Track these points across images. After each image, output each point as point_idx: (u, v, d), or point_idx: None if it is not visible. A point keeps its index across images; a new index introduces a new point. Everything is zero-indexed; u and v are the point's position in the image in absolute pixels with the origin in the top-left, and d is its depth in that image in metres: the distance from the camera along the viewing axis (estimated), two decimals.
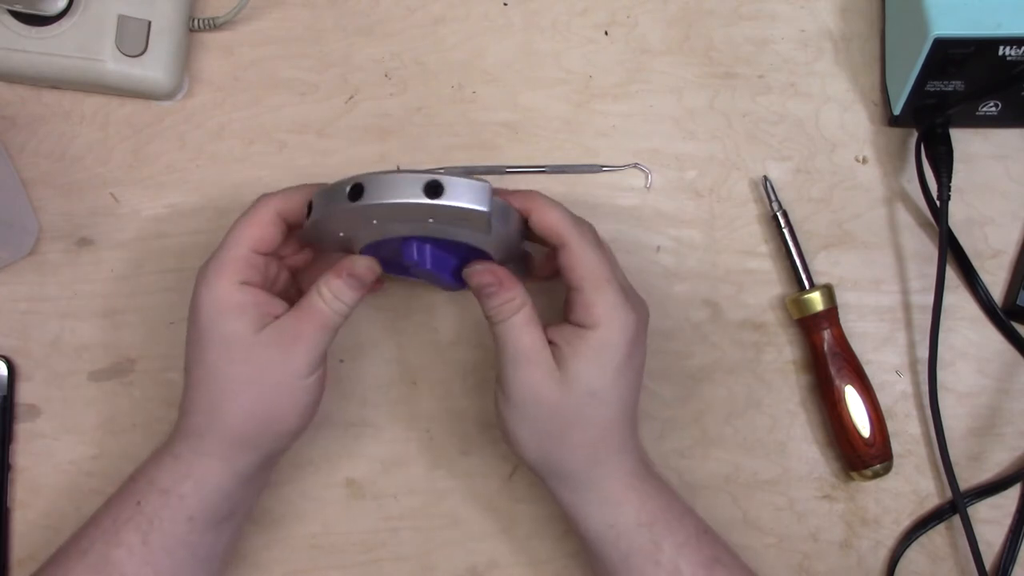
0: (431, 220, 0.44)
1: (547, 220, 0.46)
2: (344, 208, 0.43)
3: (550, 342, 0.47)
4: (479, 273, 0.47)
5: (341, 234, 0.46)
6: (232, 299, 0.45)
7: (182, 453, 0.47)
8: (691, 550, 0.47)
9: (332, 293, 0.46)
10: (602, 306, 0.46)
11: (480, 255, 0.48)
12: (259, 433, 0.47)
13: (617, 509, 0.47)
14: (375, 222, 0.45)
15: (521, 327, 0.46)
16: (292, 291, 0.51)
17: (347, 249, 0.48)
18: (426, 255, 0.47)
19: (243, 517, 0.50)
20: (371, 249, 0.47)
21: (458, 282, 0.49)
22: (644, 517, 0.47)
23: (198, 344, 0.46)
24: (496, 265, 0.47)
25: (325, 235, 0.47)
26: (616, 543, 0.47)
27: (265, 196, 0.48)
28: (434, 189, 0.43)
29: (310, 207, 0.46)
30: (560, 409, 0.46)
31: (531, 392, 0.46)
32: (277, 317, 0.46)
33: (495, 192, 0.44)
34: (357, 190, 0.43)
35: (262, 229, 0.47)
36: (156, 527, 0.45)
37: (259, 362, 0.45)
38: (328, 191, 0.44)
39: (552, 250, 0.48)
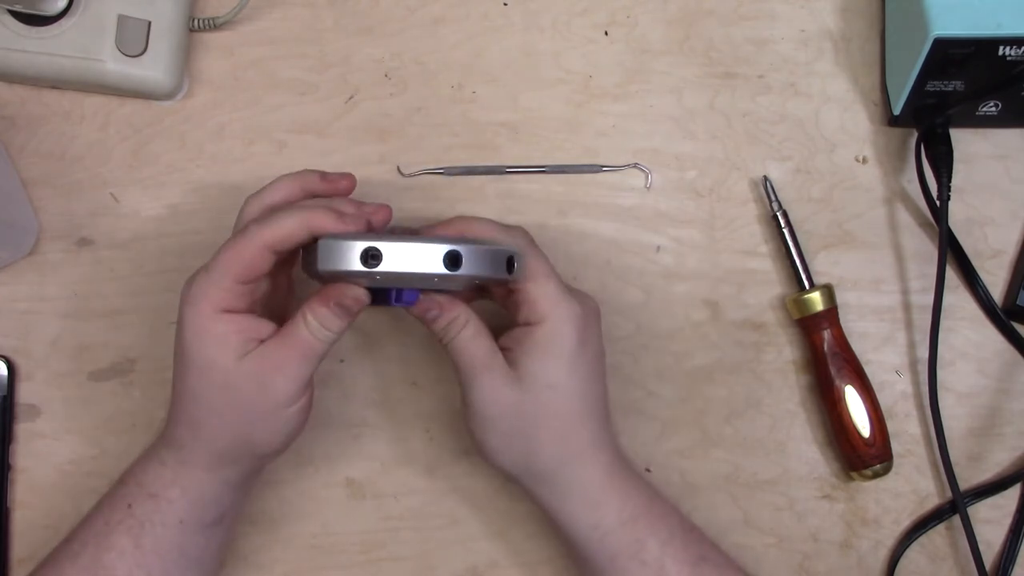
0: (436, 280, 0.44)
1: (480, 235, 0.48)
2: (357, 272, 0.43)
3: (502, 348, 0.48)
4: (421, 304, 0.47)
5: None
6: (212, 328, 0.44)
7: (167, 461, 0.47)
8: (676, 548, 0.47)
9: (318, 321, 0.45)
10: (545, 300, 0.47)
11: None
12: (241, 452, 0.47)
13: (599, 510, 0.48)
14: (378, 277, 0.44)
15: (469, 339, 0.47)
16: (282, 295, 0.50)
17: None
18: (415, 297, 0.47)
19: (234, 519, 0.50)
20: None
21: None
22: (626, 515, 0.47)
23: (181, 362, 0.45)
24: (433, 294, 0.47)
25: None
26: (601, 544, 0.47)
27: (254, 226, 0.45)
28: (454, 260, 0.43)
29: (313, 247, 0.44)
30: (522, 409, 0.47)
31: (491, 398, 0.47)
32: (262, 340, 0.45)
33: (457, 240, 0.44)
34: (374, 257, 0.43)
35: (249, 261, 0.44)
36: (148, 531, 0.46)
37: (239, 390, 0.45)
38: (339, 248, 0.43)
39: None
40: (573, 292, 0.49)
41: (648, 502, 0.49)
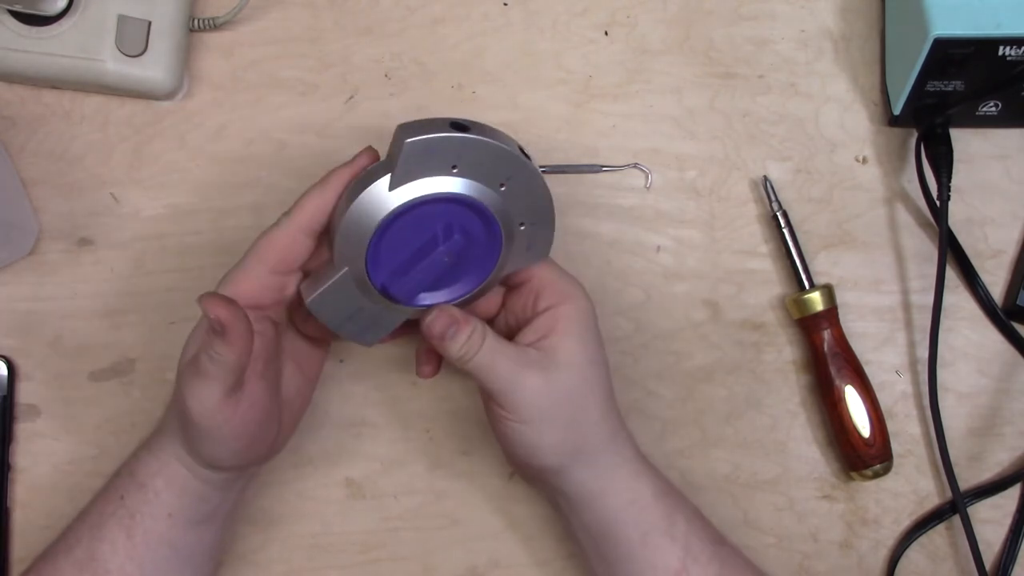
0: (454, 169, 0.44)
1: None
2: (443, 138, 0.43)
3: (528, 344, 0.47)
4: (436, 320, 0.46)
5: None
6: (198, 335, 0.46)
7: (154, 448, 0.47)
8: (699, 526, 0.48)
9: (209, 354, 0.42)
10: (561, 278, 0.48)
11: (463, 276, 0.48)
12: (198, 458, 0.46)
13: (639, 481, 0.48)
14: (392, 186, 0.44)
15: (492, 351, 0.46)
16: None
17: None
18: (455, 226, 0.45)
19: (225, 520, 0.50)
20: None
21: (427, 297, 0.48)
22: (661, 487, 0.48)
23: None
24: (446, 306, 0.47)
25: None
26: (637, 520, 0.47)
27: (284, 216, 0.46)
28: (461, 127, 0.44)
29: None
30: (571, 392, 0.46)
31: (541, 392, 0.46)
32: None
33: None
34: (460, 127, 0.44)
35: (286, 246, 0.46)
36: (138, 522, 0.46)
37: (176, 395, 0.45)
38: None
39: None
40: None
41: (668, 481, 0.49)
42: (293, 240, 0.46)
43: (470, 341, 0.46)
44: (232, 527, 0.52)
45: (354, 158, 0.47)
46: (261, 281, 0.46)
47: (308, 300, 0.46)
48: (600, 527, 0.48)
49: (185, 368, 0.44)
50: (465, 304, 0.48)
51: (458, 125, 0.43)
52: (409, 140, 0.42)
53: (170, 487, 0.46)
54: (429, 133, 0.43)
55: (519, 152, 0.45)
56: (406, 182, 0.44)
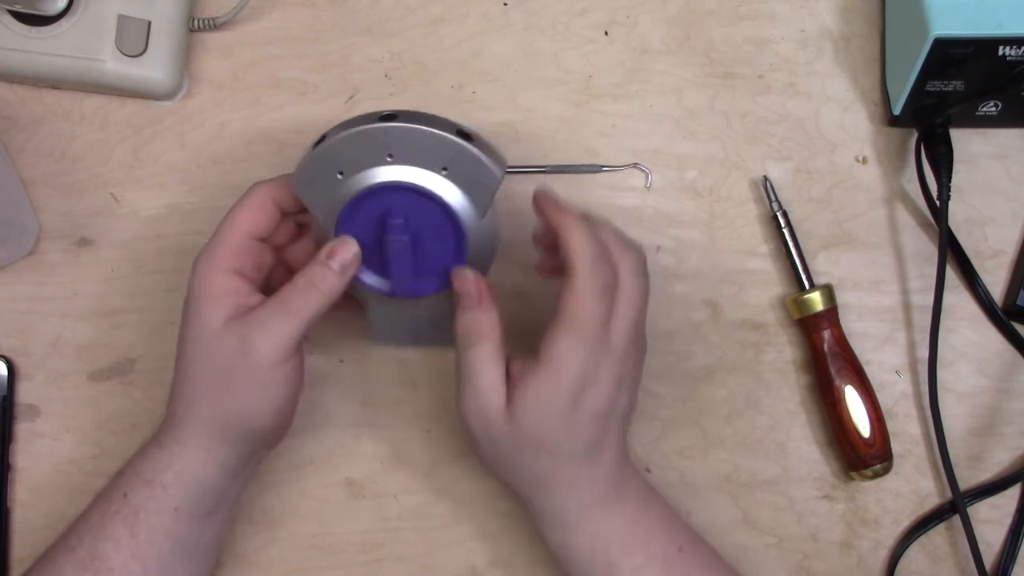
0: (389, 158, 0.45)
1: (567, 249, 0.44)
2: (308, 157, 0.45)
3: (509, 374, 0.46)
4: (464, 279, 0.46)
5: (323, 201, 0.46)
6: (213, 287, 0.46)
7: (165, 442, 0.47)
8: (652, 572, 0.46)
9: (308, 279, 0.45)
10: (557, 346, 0.44)
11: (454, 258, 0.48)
12: (232, 426, 0.46)
13: (569, 534, 0.47)
14: (340, 175, 0.45)
15: (483, 361, 0.45)
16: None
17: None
18: (406, 209, 0.46)
19: (230, 513, 0.50)
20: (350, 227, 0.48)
21: (422, 285, 0.49)
22: (600, 543, 0.46)
23: (182, 332, 0.47)
24: (484, 281, 0.47)
25: (313, 193, 0.47)
26: (571, 562, 0.47)
27: (258, 183, 0.48)
28: (389, 118, 0.44)
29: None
30: (505, 443, 0.46)
31: (480, 424, 0.46)
32: (252, 309, 0.46)
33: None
34: (320, 140, 0.45)
35: (254, 213, 0.47)
36: (143, 520, 0.46)
37: (224, 352, 0.45)
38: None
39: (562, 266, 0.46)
40: (611, 344, 0.45)
41: (633, 523, 0.47)
42: (265, 205, 0.48)
43: (473, 328, 0.46)
44: (231, 527, 0.52)
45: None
46: (242, 248, 0.47)
47: (372, 336, 0.52)
48: (559, 552, 0.48)
49: (257, 305, 0.45)
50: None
51: (385, 116, 0.45)
52: (334, 137, 0.45)
53: (180, 480, 0.46)
54: (353, 128, 0.45)
55: (455, 134, 0.45)
56: (349, 177, 0.46)
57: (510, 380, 0.45)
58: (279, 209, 0.48)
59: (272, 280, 0.49)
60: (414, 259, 0.48)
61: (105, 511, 0.46)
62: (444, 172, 0.45)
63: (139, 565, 0.46)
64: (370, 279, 0.49)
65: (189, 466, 0.46)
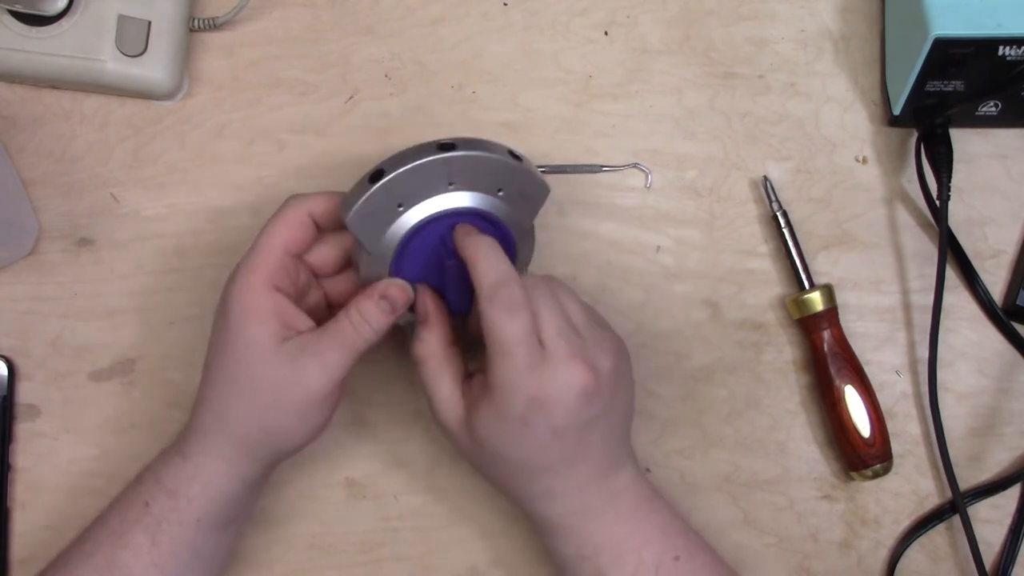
0: (451, 185, 0.46)
1: (472, 276, 0.44)
2: (366, 191, 0.45)
3: (471, 390, 0.46)
4: (419, 295, 0.48)
5: (369, 243, 0.47)
6: (258, 303, 0.45)
7: (190, 453, 0.46)
8: None
9: (361, 315, 0.46)
10: (492, 375, 0.44)
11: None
12: (263, 442, 0.46)
13: (556, 541, 0.47)
14: (400, 207, 0.46)
15: (431, 377, 0.47)
16: (325, 316, 0.49)
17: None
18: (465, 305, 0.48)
19: (245, 522, 0.50)
20: (404, 266, 0.48)
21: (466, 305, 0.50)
22: (588, 551, 0.46)
23: (220, 344, 0.46)
24: (435, 300, 0.48)
25: (359, 243, 0.47)
26: (562, 569, 0.48)
27: (296, 196, 0.48)
28: (448, 147, 0.45)
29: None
30: (473, 454, 0.47)
31: (446, 433, 0.47)
32: (300, 332, 0.46)
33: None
34: (377, 174, 0.45)
35: (293, 229, 0.47)
36: (165, 529, 0.45)
37: (274, 374, 0.45)
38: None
39: None
40: (552, 355, 0.44)
41: (624, 534, 0.46)
42: (303, 221, 0.47)
43: (418, 344, 0.47)
44: (242, 534, 0.52)
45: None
46: (281, 265, 0.47)
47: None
48: (551, 556, 0.48)
49: (304, 329, 0.46)
50: None
51: (444, 146, 0.45)
52: (391, 174, 0.45)
53: (205, 491, 0.46)
54: (415, 160, 0.45)
55: (509, 157, 0.46)
56: (410, 208, 0.46)
57: (470, 393, 0.46)
58: (317, 224, 0.48)
59: (307, 300, 0.49)
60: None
61: (125, 518, 0.46)
62: (500, 193, 0.47)
63: (159, 573, 0.45)
64: None
65: (213, 478, 0.46)
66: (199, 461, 0.46)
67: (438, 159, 0.45)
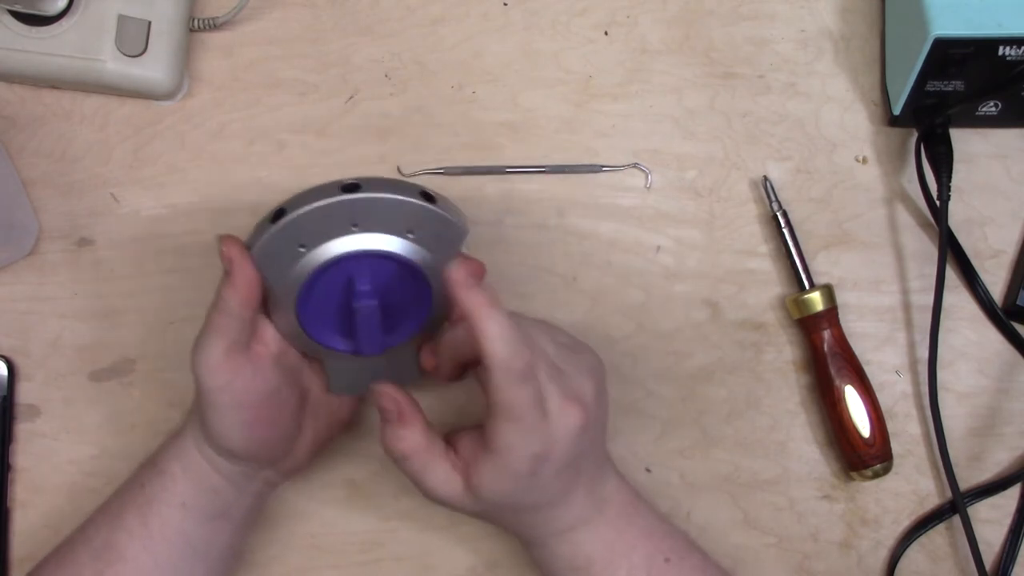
0: (354, 227, 0.44)
1: (481, 338, 0.41)
2: (266, 231, 0.44)
3: (459, 453, 0.46)
4: (383, 395, 0.46)
5: (275, 284, 0.46)
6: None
7: (178, 437, 0.48)
8: None
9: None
10: (500, 439, 0.43)
11: (414, 318, 0.48)
12: (209, 440, 0.47)
13: (546, 554, 0.48)
14: (302, 248, 0.44)
15: (419, 472, 0.46)
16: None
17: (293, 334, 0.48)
18: (366, 270, 0.46)
19: (241, 522, 0.50)
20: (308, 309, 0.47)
21: (388, 339, 0.48)
22: (580, 560, 0.47)
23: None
24: (401, 393, 0.46)
25: (269, 291, 0.46)
26: (550, 573, 0.48)
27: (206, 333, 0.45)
28: (351, 188, 0.44)
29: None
30: (473, 511, 0.47)
31: (447, 506, 0.47)
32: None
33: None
34: (278, 213, 0.44)
35: (245, 288, 0.45)
36: (155, 510, 0.46)
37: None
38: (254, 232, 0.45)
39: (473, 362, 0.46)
40: (553, 406, 0.43)
41: (612, 541, 0.47)
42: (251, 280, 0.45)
43: (397, 444, 0.46)
44: (244, 540, 0.52)
45: (228, 265, 0.45)
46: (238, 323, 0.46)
47: (331, 390, 0.50)
48: (541, 568, 0.49)
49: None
50: (434, 327, 0.49)
51: (348, 187, 0.44)
52: (290, 215, 0.44)
53: (186, 473, 0.47)
54: (315, 202, 0.44)
55: (419, 199, 0.45)
56: (312, 249, 0.45)
57: (462, 460, 0.46)
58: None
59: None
60: (381, 319, 0.47)
61: (123, 500, 0.48)
62: (410, 236, 0.45)
63: (150, 557, 0.46)
64: (337, 343, 0.48)
65: (192, 464, 0.47)
66: (180, 444, 0.48)
67: (339, 201, 0.43)
